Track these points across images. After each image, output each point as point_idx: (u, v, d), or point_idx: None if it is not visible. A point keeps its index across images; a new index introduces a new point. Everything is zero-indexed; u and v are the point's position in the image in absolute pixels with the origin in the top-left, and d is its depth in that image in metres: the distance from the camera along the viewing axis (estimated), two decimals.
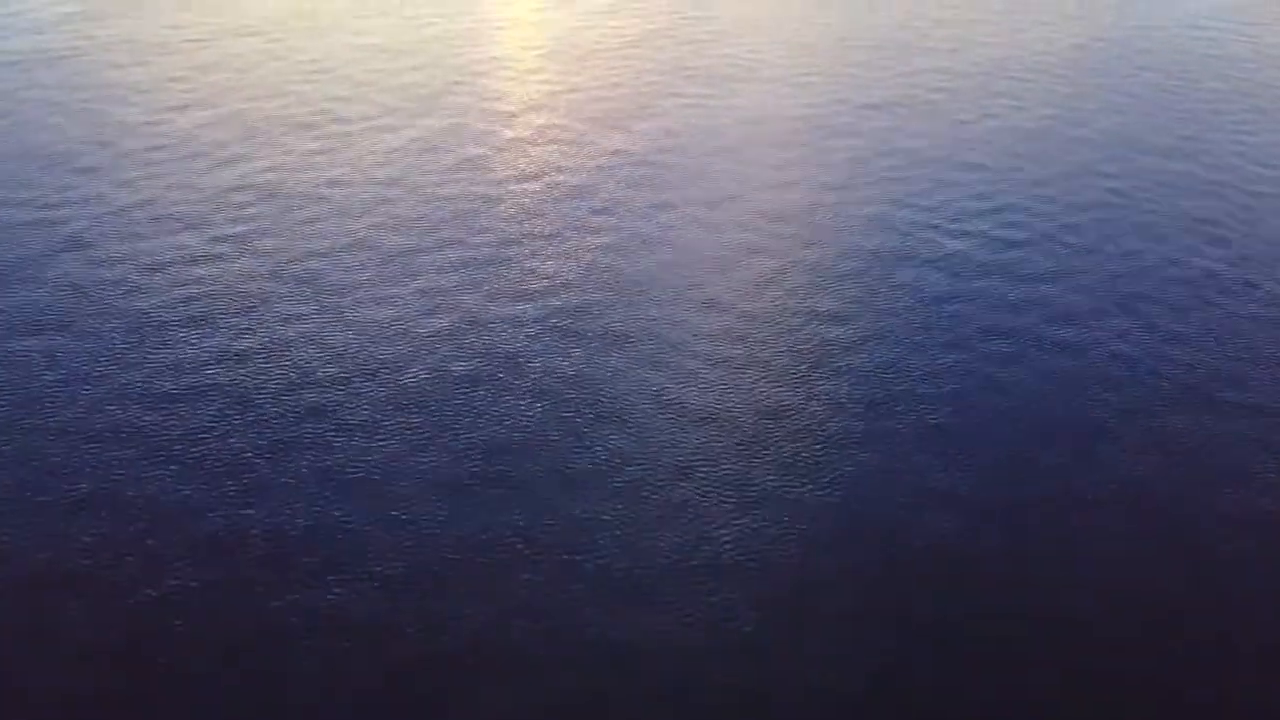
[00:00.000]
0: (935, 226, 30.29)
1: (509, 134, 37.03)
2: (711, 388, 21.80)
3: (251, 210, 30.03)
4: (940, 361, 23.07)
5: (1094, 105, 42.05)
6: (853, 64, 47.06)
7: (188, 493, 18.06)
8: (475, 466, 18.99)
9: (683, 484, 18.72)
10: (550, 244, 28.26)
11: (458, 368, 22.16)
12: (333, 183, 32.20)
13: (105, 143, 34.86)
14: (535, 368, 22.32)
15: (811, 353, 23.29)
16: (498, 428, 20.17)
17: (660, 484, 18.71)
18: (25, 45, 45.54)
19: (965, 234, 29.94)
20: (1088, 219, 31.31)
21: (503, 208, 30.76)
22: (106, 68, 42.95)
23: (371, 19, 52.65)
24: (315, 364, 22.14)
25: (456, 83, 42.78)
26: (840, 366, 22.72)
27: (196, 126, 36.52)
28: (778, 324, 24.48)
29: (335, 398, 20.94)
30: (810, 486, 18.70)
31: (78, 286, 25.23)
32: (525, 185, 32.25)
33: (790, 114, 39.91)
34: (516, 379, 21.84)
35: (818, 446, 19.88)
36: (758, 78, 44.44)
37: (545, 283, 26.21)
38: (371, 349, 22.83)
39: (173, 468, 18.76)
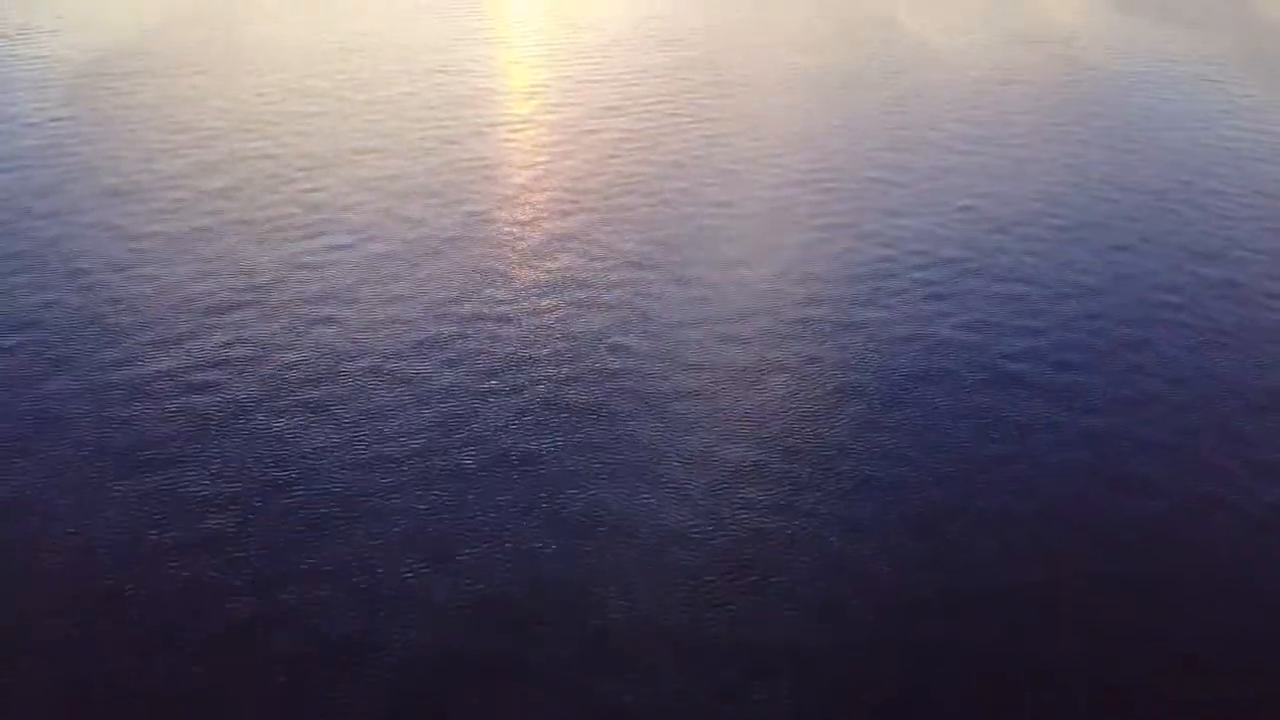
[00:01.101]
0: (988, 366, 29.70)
1: (525, 242, 36.45)
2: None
3: (248, 329, 29.39)
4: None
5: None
6: (877, 165, 46.62)
7: None
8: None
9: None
10: (569, 368, 27.20)
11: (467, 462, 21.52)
12: (329, 296, 31.57)
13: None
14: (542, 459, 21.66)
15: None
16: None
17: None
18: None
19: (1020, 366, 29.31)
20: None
21: (518, 328, 30.12)
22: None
23: (376, 119, 52.11)
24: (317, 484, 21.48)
25: (469, 182, 42.21)
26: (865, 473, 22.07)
27: (191, 230, 35.92)
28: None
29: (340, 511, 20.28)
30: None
31: (81, 416, 24.57)
32: (542, 300, 31.13)
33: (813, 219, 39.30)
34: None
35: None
36: (783, 180, 43.96)
37: (566, 414, 25.56)
38: (376, 470, 22.19)
39: None
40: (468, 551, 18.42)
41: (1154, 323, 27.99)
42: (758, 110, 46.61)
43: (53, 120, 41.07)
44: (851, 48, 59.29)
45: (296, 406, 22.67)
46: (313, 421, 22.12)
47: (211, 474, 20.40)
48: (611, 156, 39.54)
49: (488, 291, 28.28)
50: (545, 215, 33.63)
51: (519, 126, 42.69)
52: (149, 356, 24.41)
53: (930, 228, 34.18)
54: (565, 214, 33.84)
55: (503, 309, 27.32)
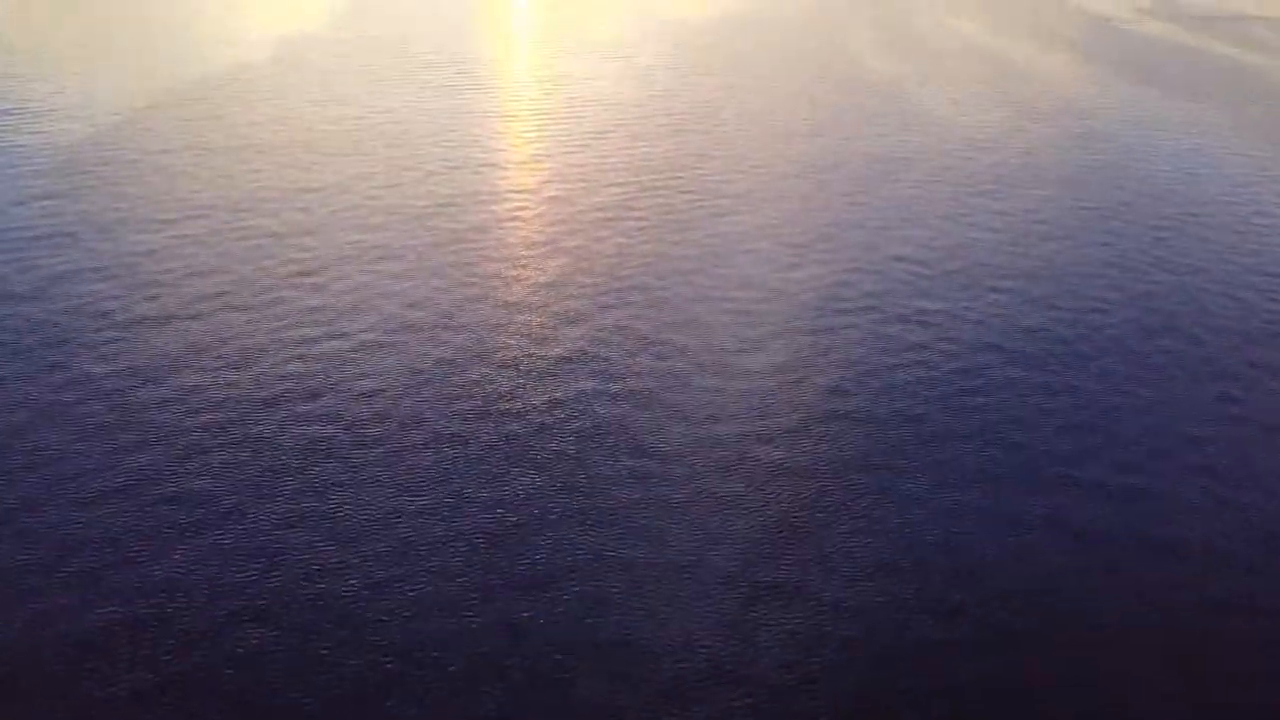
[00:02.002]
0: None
1: (540, 357, 34.78)
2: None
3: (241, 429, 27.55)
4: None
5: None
6: (901, 245, 45.27)
7: None
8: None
9: None
10: (584, 475, 25.58)
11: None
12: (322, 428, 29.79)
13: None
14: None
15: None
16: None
17: None
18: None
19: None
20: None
21: (526, 425, 28.30)
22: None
23: (375, 217, 50.89)
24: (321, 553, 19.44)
25: (472, 263, 40.70)
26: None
27: (180, 310, 34.26)
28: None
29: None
30: None
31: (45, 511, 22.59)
32: (554, 390, 29.80)
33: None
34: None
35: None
36: (802, 260, 42.51)
37: (584, 527, 23.61)
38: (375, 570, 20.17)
39: None
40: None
41: (1213, 418, 26.06)
42: (772, 192, 45.28)
43: (44, 199, 39.64)
44: (864, 123, 58.24)
45: (294, 516, 20.65)
46: (303, 530, 20.10)
47: (174, 582, 18.31)
48: (624, 237, 38.03)
49: (497, 384, 26.45)
50: (554, 300, 32.00)
51: (527, 211, 41.33)
52: (129, 452, 22.45)
53: (959, 310, 32.45)
54: (574, 296, 32.20)
55: (511, 403, 25.44)
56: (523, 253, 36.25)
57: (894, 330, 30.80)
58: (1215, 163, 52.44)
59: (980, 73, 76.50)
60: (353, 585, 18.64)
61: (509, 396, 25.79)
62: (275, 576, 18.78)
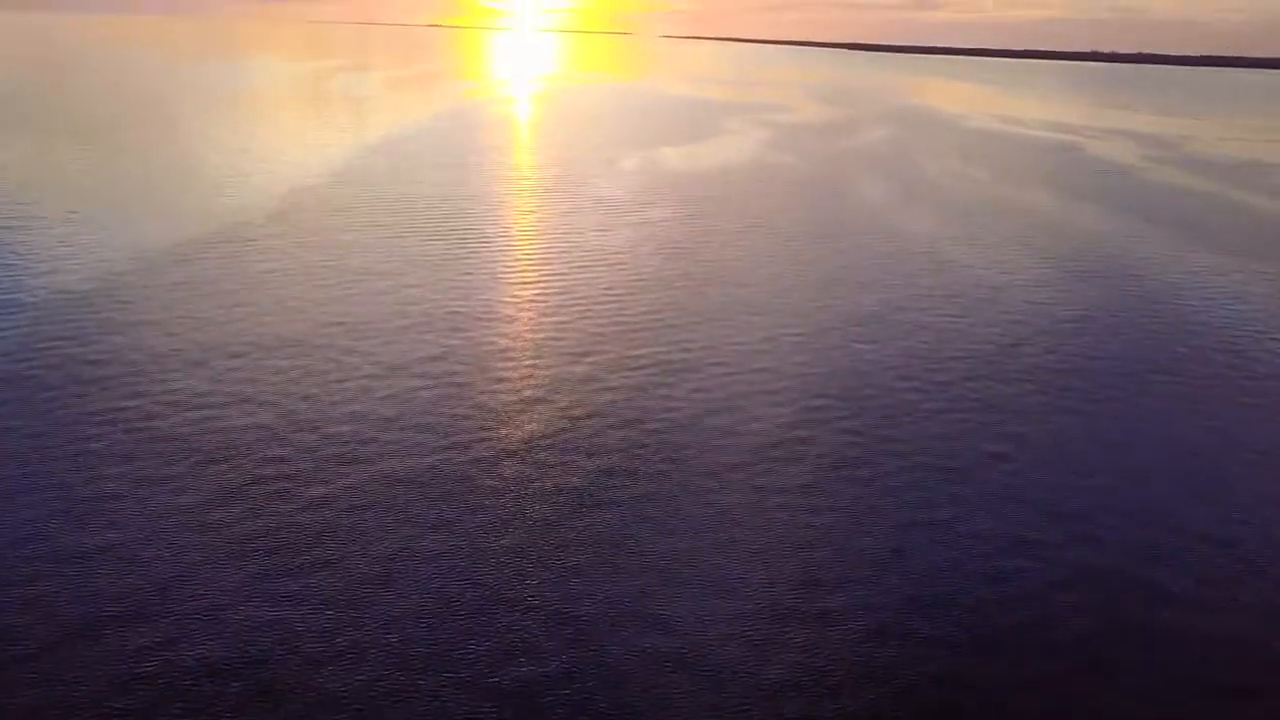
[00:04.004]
0: None
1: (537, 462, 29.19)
2: None
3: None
4: None
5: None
6: (988, 437, 40.26)
7: None
8: None
9: None
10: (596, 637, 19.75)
11: None
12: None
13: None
14: None
15: None
16: None
17: None
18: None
19: None
20: None
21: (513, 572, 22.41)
22: None
23: (369, 340, 46.10)
24: None
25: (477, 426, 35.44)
26: None
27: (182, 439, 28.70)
28: None
29: None
30: None
31: None
32: (550, 533, 24.03)
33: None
34: None
35: None
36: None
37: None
38: None
39: None
40: None
41: None
42: (835, 383, 40.16)
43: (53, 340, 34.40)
44: (903, 286, 53.77)
45: None
46: None
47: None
48: (637, 388, 32.68)
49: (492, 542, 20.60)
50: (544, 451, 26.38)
51: (523, 366, 36.12)
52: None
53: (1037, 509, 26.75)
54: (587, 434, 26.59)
55: (501, 540, 19.54)
56: (519, 412, 30.85)
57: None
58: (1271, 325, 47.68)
59: (1013, 229, 72.74)
60: None
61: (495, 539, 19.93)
62: None
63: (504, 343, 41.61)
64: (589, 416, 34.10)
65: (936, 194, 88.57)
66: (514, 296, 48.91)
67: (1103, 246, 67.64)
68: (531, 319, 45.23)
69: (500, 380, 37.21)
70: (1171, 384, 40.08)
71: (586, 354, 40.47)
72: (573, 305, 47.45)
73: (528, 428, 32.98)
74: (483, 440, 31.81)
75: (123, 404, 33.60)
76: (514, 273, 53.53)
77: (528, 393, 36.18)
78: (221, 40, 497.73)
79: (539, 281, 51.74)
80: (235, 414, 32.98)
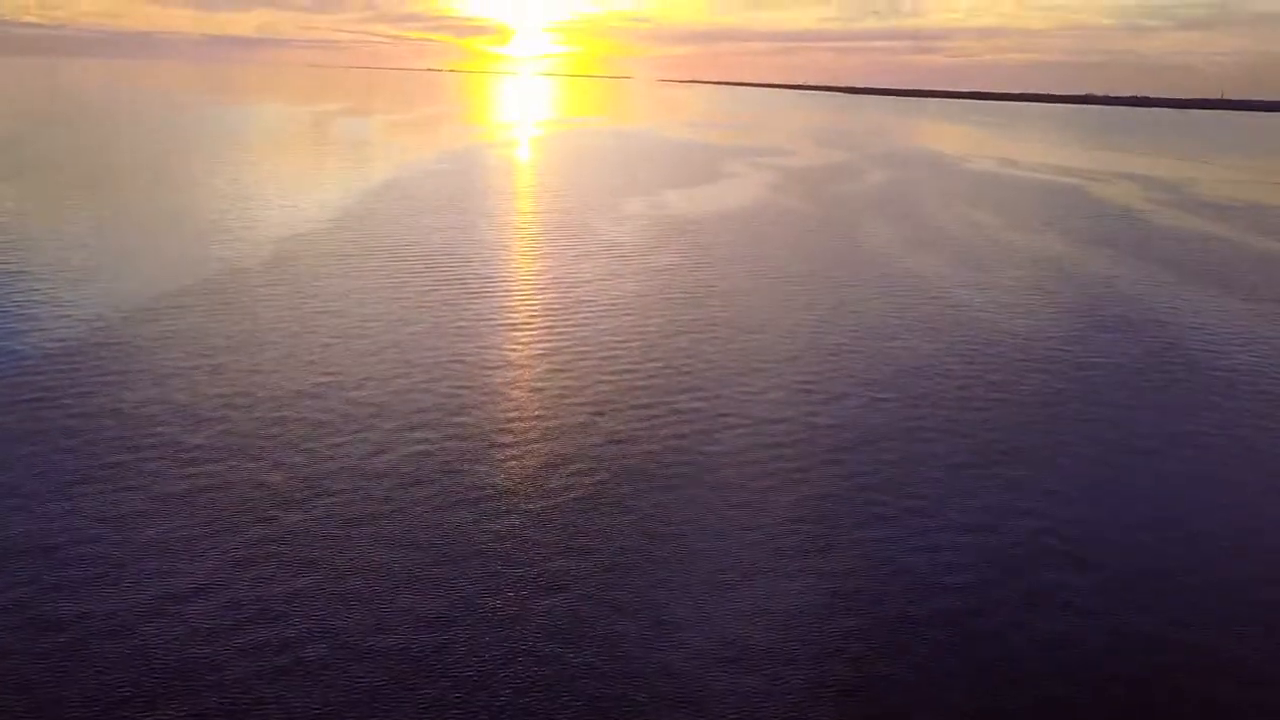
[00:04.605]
0: None
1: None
2: None
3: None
4: None
5: None
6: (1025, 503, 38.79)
7: None
8: None
9: None
10: None
11: None
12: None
13: None
14: None
15: None
16: None
17: None
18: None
19: None
20: None
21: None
22: None
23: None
24: None
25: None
26: None
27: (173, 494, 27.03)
28: None
29: None
30: None
31: None
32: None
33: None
34: None
35: None
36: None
37: None
38: None
39: None
40: None
41: None
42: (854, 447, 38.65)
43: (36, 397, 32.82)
44: (926, 339, 52.40)
45: None
46: None
47: None
48: (652, 442, 31.12)
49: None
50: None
51: (526, 418, 34.55)
52: None
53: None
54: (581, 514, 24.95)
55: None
56: (523, 461, 29.24)
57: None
58: None
59: (1029, 275, 71.52)
60: None
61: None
62: None
63: (510, 393, 40.10)
64: (600, 471, 32.53)
65: (946, 239, 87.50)
66: (520, 346, 47.45)
67: (1121, 293, 66.34)
68: (538, 369, 43.73)
69: (507, 433, 35.64)
70: (1216, 443, 38.56)
71: (596, 406, 38.95)
72: (581, 355, 45.98)
73: (536, 483, 31.38)
74: (488, 498, 30.20)
75: (116, 458, 32.03)
76: (519, 321, 52.14)
77: (535, 446, 34.62)
78: (221, 85, 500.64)
79: (545, 330, 50.32)
80: (232, 470, 31.37)
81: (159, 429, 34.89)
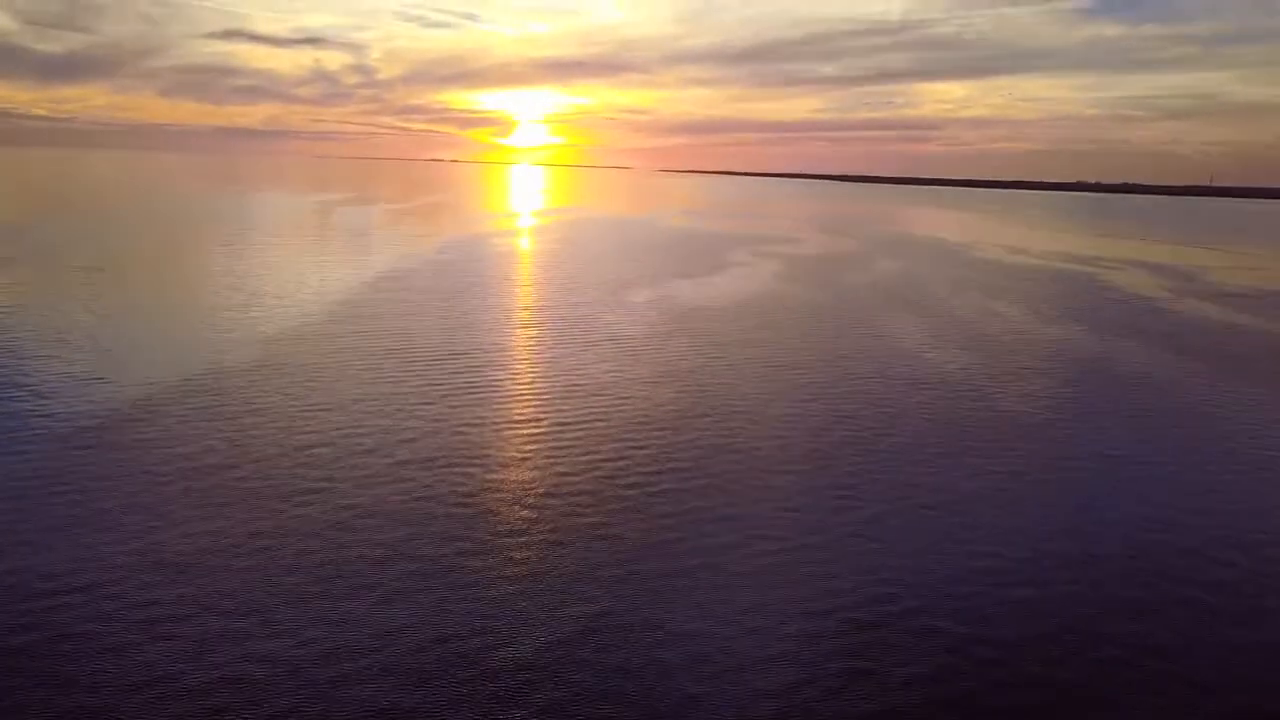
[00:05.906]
0: None
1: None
2: None
3: None
4: None
5: None
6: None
7: None
8: None
9: None
10: None
11: None
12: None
13: None
14: None
15: None
16: None
17: None
18: None
19: None
20: None
21: None
22: None
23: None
24: None
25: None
26: None
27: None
28: None
29: None
30: None
31: None
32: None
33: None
34: None
35: None
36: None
37: None
38: None
39: None
40: None
41: None
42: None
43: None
44: (941, 423, 48.87)
45: None
46: None
47: None
48: (659, 538, 27.19)
49: None
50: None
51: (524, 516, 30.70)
52: None
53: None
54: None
55: None
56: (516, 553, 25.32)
57: None
58: None
59: (1056, 368, 68.31)
60: None
61: None
62: None
63: (515, 487, 36.61)
64: (605, 568, 28.91)
65: (965, 329, 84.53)
66: (525, 437, 44.11)
67: (1154, 385, 63.04)
68: (544, 462, 40.27)
69: (512, 526, 32.11)
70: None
71: (604, 504, 35.34)
72: (590, 450, 42.46)
73: (540, 573, 27.58)
74: (494, 591, 26.32)
75: (113, 558, 28.28)
76: (525, 413, 48.75)
77: (540, 538, 31.30)
78: (228, 175, 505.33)
79: (551, 424, 46.87)
80: (232, 572, 27.53)
81: (154, 525, 31.08)
